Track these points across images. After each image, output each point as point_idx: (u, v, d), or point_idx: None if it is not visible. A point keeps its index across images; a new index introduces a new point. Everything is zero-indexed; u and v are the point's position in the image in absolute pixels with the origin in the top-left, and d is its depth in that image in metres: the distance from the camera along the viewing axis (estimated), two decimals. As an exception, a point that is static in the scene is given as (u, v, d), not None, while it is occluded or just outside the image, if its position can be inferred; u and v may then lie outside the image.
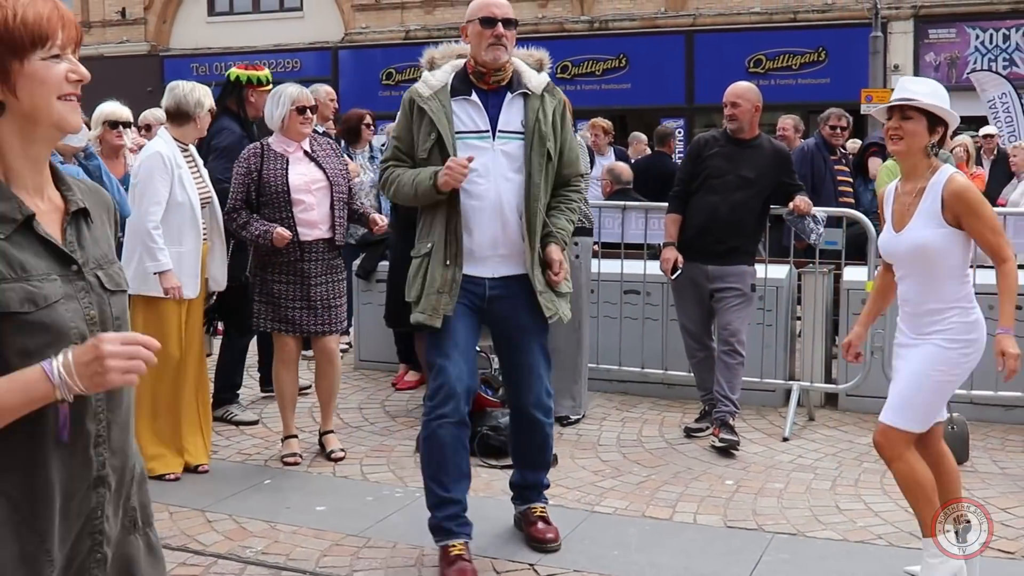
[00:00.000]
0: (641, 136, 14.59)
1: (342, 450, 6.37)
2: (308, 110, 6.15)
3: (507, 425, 5.39)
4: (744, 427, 6.88)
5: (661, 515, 5.45)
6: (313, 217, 6.11)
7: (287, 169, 6.07)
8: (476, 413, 6.48)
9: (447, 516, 4.72)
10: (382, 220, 6.42)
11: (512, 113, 4.69)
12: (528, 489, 5.12)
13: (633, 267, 7.65)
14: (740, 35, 22.41)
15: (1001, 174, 11.77)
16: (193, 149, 6.24)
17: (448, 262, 4.62)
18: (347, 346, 9.03)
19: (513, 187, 4.65)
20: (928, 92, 4.32)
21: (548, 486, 5.20)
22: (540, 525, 5.01)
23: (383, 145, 10.87)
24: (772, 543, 5.07)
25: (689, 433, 6.85)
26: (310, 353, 7.33)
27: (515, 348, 4.87)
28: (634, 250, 7.82)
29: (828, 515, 5.46)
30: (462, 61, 4.76)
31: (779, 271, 7.53)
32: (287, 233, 5.95)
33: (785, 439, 6.74)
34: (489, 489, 5.74)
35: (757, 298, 6.92)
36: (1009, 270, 4.28)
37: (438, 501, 4.73)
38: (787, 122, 10.58)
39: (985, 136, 12.82)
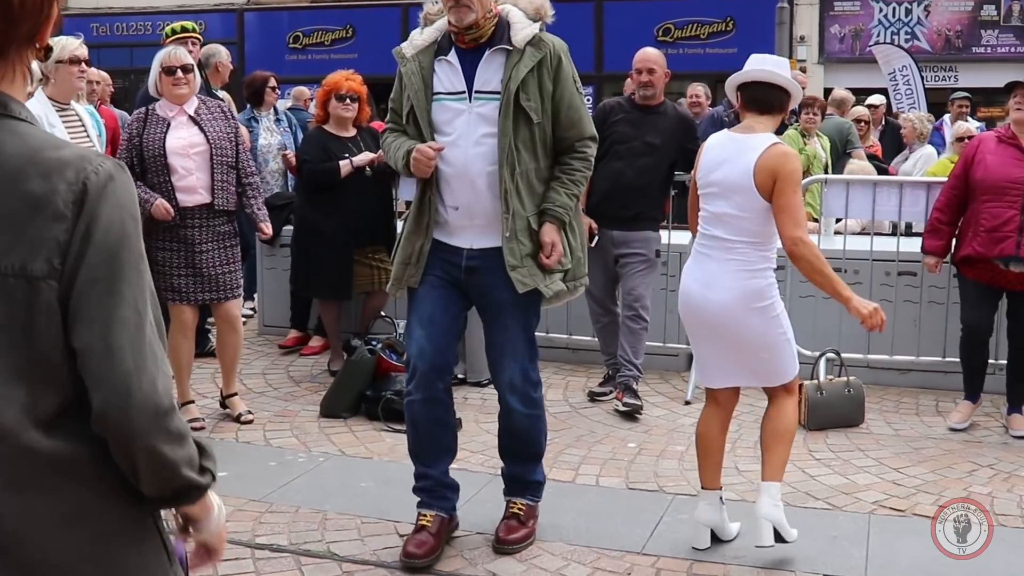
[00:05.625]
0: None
1: (249, 412, 6.34)
2: (179, 70, 6.01)
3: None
4: (647, 391, 6.97)
5: (564, 478, 5.49)
6: (192, 182, 5.99)
7: (166, 133, 5.95)
8: (380, 377, 6.49)
9: (420, 488, 4.66)
10: (268, 230, 6.48)
11: (490, 72, 4.31)
12: (509, 481, 4.81)
13: (539, 233, 7.65)
14: (649, 4, 22.47)
15: (888, 144, 12.03)
16: (79, 108, 6.08)
17: (418, 232, 4.43)
18: (251, 312, 8.94)
19: (485, 152, 4.30)
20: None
21: (538, 482, 4.80)
22: (510, 523, 4.69)
23: (289, 108, 10.74)
24: (672, 504, 5.16)
25: (593, 397, 6.91)
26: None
27: (490, 324, 4.56)
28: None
29: (727, 476, 5.52)
30: None
31: (683, 237, 7.57)
32: (167, 206, 5.85)
33: (687, 403, 6.84)
34: (393, 454, 5.73)
35: (661, 264, 7.00)
36: None
37: (416, 474, 4.68)
38: (699, 89, 10.71)
39: (870, 106, 13.02)
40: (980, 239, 6.09)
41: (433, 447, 4.61)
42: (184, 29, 7.55)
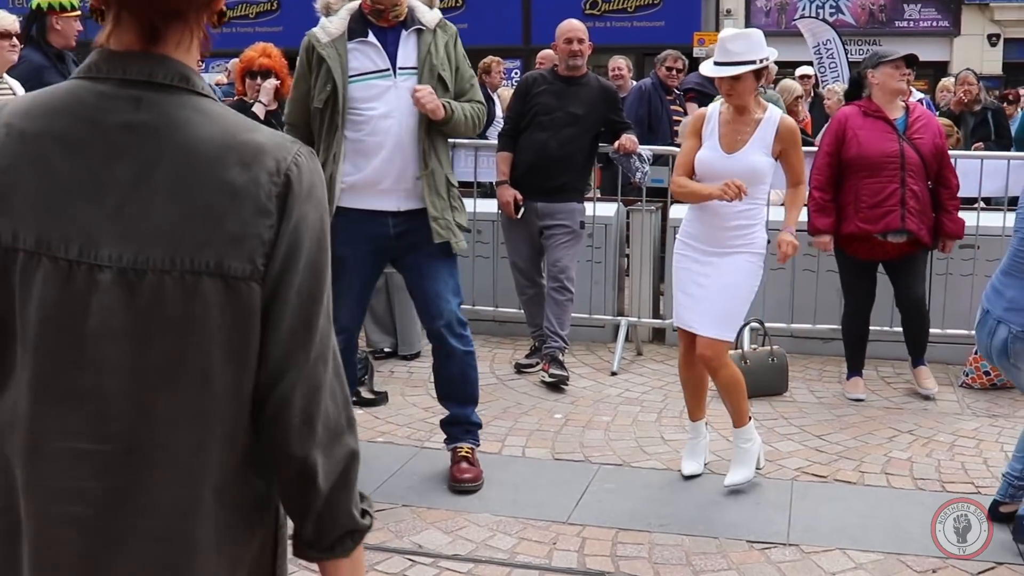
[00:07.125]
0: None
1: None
2: None
3: None
4: (573, 362, 6.97)
5: (490, 449, 5.47)
6: None
7: None
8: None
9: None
10: None
11: (409, 49, 4.73)
12: (453, 426, 5.06)
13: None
14: (576, -23, 22.46)
15: (817, 116, 12.10)
16: (12, 81, 5.97)
17: None
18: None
19: (418, 121, 4.70)
20: (747, 49, 4.78)
21: (478, 424, 5.11)
22: (462, 465, 4.96)
23: (216, 84, 10.58)
24: (598, 474, 5.17)
25: (519, 369, 6.90)
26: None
27: (422, 276, 4.87)
28: (464, 188, 7.76)
29: (653, 445, 5.58)
30: (357, 3, 4.75)
31: (608, 209, 7.60)
32: None
33: (613, 373, 6.87)
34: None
35: (586, 235, 6.99)
36: (803, 190, 5.22)
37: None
38: (620, 62, 10.70)
39: (801, 77, 13.07)
40: (863, 215, 6.13)
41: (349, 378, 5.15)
42: (62, 8, 6.97)
